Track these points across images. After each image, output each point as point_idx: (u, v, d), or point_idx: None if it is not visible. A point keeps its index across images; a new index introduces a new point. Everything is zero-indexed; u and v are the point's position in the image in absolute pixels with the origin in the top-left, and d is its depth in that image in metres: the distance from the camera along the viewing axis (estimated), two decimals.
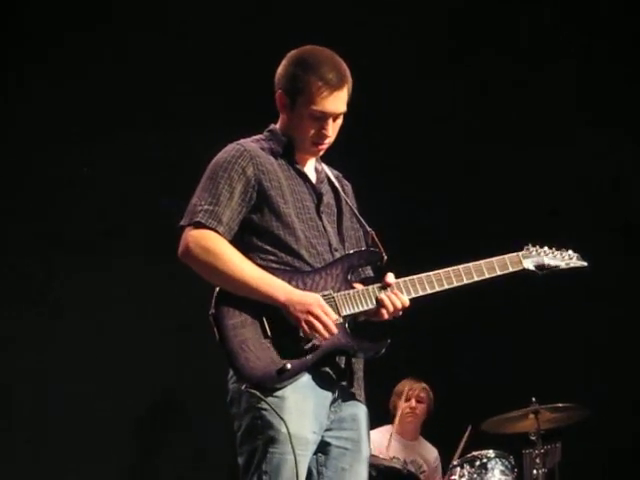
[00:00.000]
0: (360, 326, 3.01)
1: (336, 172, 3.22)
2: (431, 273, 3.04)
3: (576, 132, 6.18)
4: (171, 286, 5.54)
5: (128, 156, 5.73)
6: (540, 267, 3.23)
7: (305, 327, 2.86)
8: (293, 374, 2.85)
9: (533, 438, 5.13)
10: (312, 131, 3.00)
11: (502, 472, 5.13)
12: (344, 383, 2.98)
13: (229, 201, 2.91)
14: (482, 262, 3.10)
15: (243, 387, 2.82)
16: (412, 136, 6.20)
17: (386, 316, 2.97)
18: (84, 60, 5.72)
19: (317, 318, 2.85)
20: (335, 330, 2.88)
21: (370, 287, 2.99)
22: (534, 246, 3.25)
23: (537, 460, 5.08)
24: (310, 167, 3.13)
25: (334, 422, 2.97)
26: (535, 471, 5.08)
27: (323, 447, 2.96)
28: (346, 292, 2.96)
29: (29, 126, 5.67)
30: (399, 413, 5.93)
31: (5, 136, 5.64)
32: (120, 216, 5.73)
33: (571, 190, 6.23)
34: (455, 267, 3.07)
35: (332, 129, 3.01)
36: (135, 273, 5.74)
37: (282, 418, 2.80)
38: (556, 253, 3.29)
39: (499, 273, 3.13)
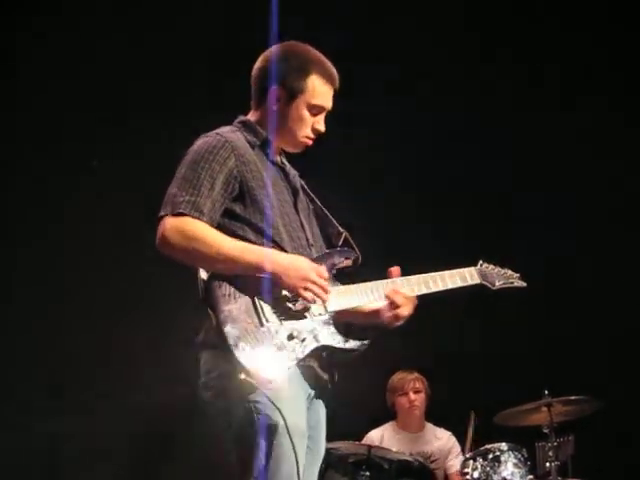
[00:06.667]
0: (340, 326, 2.95)
1: (295, 170, 3.19)
2: (422, 275, 3.09)
3: None
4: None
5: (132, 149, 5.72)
6: (491, 283, 3.32)
7: (305, 294, 2.81)
8: (289, 364, 2.76)
9: (546, 431, 5.12)
10: (308, 125, 3.03)
11: (515, 465, 5.13)
12: (324, 381, 2.92)
13: (210, 192, 2.84)
14: (447, 273, 3.16)
15: (242, 377, 2.67)
16: None
17: (389, 314, 2.96)
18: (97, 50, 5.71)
19: (314, 283, 2.82)
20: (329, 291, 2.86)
21: (362, 285, 2.98)
22: (485, 262, 3.34)
23: (550, 453, 5.06)
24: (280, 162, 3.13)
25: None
26: (548, 464, 5.06)
27: None
28: (333, 288, 2.92)
29: (33, 118, 5.64)
30: (399, 409, 5.91)
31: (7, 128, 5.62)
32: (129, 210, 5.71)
33: None
34: (430, 274, 3.12)
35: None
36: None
37: (279, 408, 2.70)
38: (502, 271, 3.38)
39: (460, 285, 3.20)
